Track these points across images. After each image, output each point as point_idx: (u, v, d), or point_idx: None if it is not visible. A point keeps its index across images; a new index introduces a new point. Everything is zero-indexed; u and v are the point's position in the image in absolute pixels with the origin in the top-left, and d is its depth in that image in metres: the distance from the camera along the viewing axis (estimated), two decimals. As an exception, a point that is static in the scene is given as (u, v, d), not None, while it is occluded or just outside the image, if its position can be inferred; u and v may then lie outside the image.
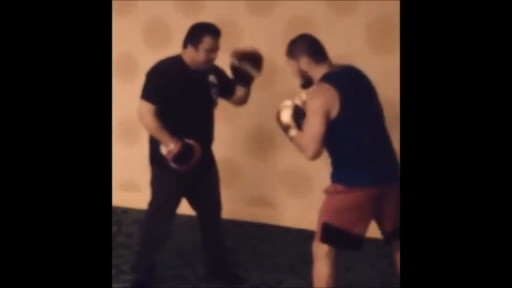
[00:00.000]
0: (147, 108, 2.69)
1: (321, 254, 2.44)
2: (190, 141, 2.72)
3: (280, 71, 3.79)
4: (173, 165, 2.73)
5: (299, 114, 2.46)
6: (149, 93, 2.71)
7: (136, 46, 4.14)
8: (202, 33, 2.70)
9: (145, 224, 3.05)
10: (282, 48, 3.70)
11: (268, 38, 3.80)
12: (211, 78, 2.85)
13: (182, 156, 2.70)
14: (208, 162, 2.96)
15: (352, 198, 2.36)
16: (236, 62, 2.83)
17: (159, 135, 2.72)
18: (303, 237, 3.55)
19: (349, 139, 2.36)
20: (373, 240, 3.69)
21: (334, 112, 2.31)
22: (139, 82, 4.09)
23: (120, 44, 4.06)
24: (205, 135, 2.89)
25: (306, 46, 2.43)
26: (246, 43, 3.76)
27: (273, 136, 3.93)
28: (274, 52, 3.79)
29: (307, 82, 2.47)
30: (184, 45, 2.76)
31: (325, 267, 2.43)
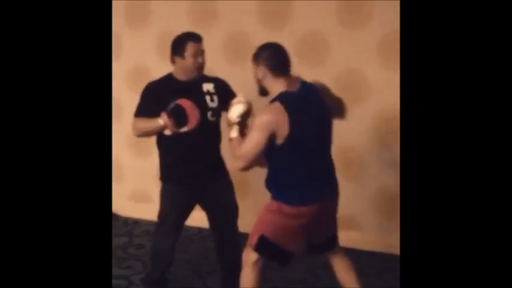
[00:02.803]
0: (134, 120, 2.85)
1: (250, 261, 2.51)
2: (174, 104, 2.72)
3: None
4: (182, 129, 2.72)
5: (247, 115, 2.54)
6: (138, 110, 2.86)
7: (150, 58, 4.18)
8: (184, 41, 2.80)
9: (152, 237, 3.10)
10: (294, 61, 3.75)
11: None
12: (208, 86, 2.88)
13: (178, 116, 2.69)
14: (216, 171, 2.95)
15: (292, 217, 2.41)
16: None
17: (149, 125, 2.77)
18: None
19: (295, 161, 2.39)
20: (378, 254, 3.70)
21: (282, 135, 2.30)
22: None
23: (134, 56, 4.11)
24: (208, 144, 2.88)
25: (267, 56, 2.41)
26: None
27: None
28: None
29: (262, 91, 2.47)
30: (172, 60, 2.86)
31: (253, 274, 2.51)
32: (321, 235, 2.60)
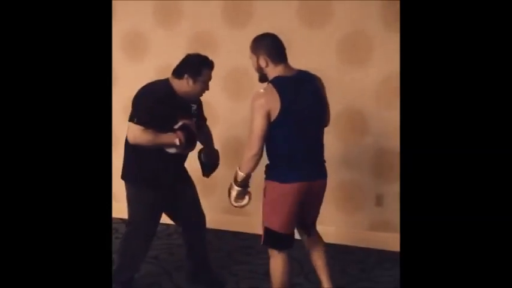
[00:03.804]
0: (138, 130, 2.71)
1: (272, 253, 2.69)
2: (182, 123, 2.78)
3: (254, 83, 3.87)
4: (187, 150, 2.85)
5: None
6: (140, 116, 2.72)
7: (114, 58, 4.17)
8: (201, 66, 2.78)
9: (124, 241, 3.06)
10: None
11: (243, 49, 3.87)
12: (194, 107, 2.93)
13: (189, 138, 2.79)
14: (184, 176, 3.04)
15: (283, 194, 2.54)
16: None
17: (159, 141, 2.75)
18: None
19: (285, 140, 2.52)
20: (344, 247, 3.81)
21: (274, 114, 2.45)
22: (117, 92, 4.17)
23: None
24: (183, 156, 2.96)
25: (267, 45, 2.56)
26: (222, 54, 3.85)
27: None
28: (248, 64, 3.88)
29: (262, 78, 2.61)
30: (180, 75, 2.79)
31: (279, 262, 2.67)
32: (312, 215, 2.80)
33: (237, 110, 3.99)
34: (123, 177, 2.96)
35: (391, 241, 3.68)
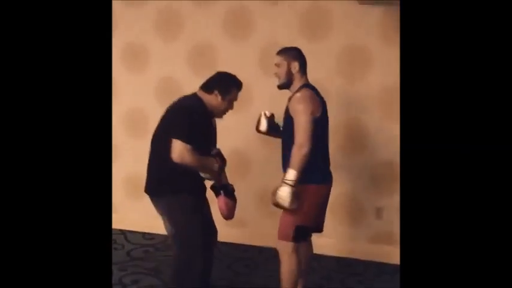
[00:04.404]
0: (186, 148, 2.65)
1: (288, 250, 2.78)
2: (217, 150, 2.90)
3: (255, 94, 3.89)
4: (215, 178, 2.93)
5: (272, 123, 2.98)
6: (184, 134, 2.67)
7: (115, 69, 4.19)
8: (232, 86, 2.86)
9: (185, 254, 2.90)
10: (257, 71, 3.85)
11: (244, 62, 3.90)
12: (214, 122, 2.97)
13: (223, 165, 2.89)
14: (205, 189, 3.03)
15: (322, 194, 2.79)
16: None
17: (203, 164, 2.77)
18: (276, 256, 3.60)
19: (320, 142, 2.71)
20: (344, 259, 3.80)
21: (315, 117, 2.65)
22: (117, 104, 4.18)
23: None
24: None
25: (300, 55, 2.81)
26: (222, 66, 3.86)
27: (247, 158, 4.00)
28: (249, 76, 3.90)
29: (286, 84, 2.80)
30: (210, 90, 2.82)
31: (293, 260, 2.78)
32: (325, 213, 2.96)
33: (236, 121, 3.99)
34: (155, 193, 2.87)
35: (391, 254, 3.67)
